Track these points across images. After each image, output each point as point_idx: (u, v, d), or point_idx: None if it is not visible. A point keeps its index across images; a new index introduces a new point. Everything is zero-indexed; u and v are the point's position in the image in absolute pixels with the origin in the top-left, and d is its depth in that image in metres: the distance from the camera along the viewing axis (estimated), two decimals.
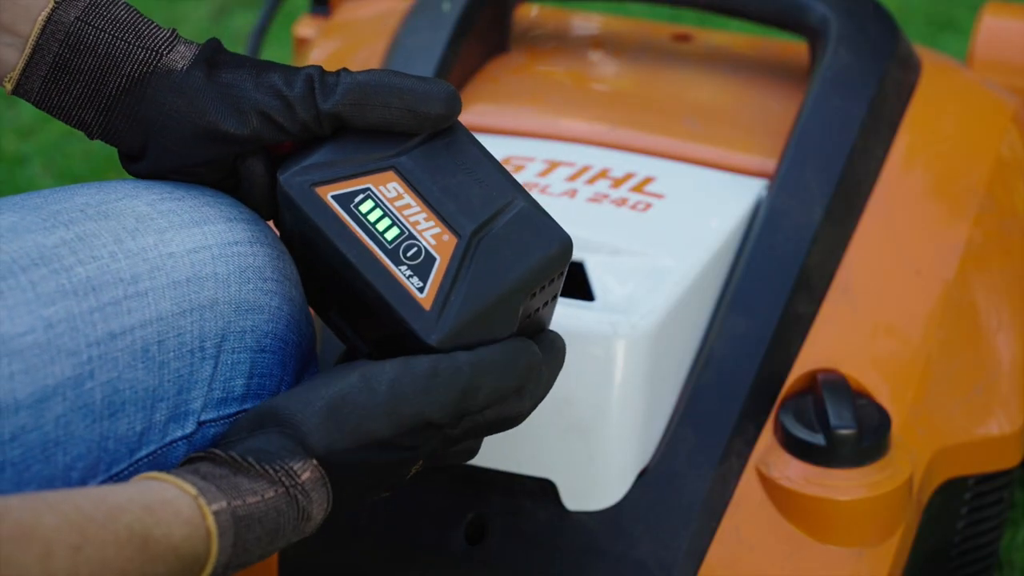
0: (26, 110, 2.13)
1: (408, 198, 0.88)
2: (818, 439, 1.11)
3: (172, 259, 0.88)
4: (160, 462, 0.88)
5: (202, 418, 0.90)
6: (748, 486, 1.12)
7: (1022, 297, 1.26)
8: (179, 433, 0.89)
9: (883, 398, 1.15)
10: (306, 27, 1.56)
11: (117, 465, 0.86)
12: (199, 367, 0.89)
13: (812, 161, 1.22)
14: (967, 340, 1.21)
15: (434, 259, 0.86)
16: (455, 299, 0.86)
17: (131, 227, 0.88)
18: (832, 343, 1.17)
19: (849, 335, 1.18)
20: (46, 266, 0.84)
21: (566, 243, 0.89)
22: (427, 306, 0.86)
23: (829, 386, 1.13)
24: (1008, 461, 1.22)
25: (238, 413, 0.91)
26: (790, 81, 1.36)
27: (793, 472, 1.11)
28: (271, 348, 0.92)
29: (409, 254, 0.87)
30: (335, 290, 0.91)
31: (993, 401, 1.21)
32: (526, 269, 0.87)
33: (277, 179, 0.90)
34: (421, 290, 0.86)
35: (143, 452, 0.87)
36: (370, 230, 0.87)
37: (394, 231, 0.87)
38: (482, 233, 0.87)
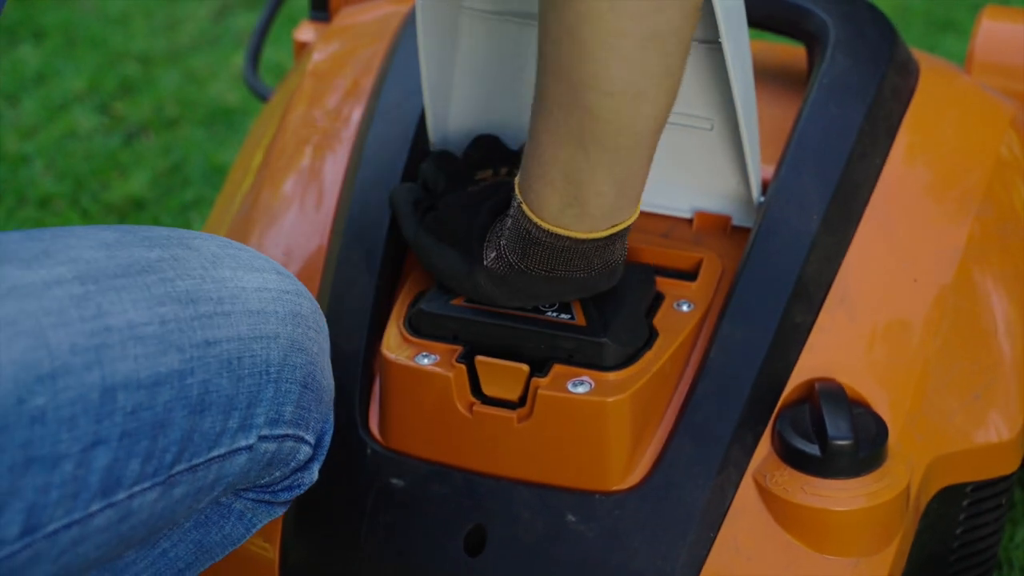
0: (28, 110, 2.13)
1: None
2: (815, 450, 1.11)
3: (244, 292, 1.00)
4: (226, 466, 0.99)
5: (261, 433, 1.00)
6: (746, 496, 1.12)
7: (1020, 304, 1.26)
8: (243, 442, 0.99)
9: (880, 407, 1.16)
10: (306, 32, 1.57)
11: (197, 457, 0.96)
12: (264, 387, 1.00)
13: (810, 167, 1.22)
14: (964, 347, 1.21)
15: (568, 304, 1.14)
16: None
17: (210, 260, 1.00)
18: (830, 352, 1.17)
19: (847, 344, 1.18)
20: (154, 274, 0.95)
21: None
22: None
23: (826, 395, 1.13)
24: (1005, 467, 1.23)
25: (284, 436, 1.02)
26: (788, 86, 1.36)
27: (790, 482, 1.11)
28: (312, 386, 1.04)
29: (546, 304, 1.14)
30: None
31: (990, 407, 1.21)
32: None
33: (422, 310, 1.15)
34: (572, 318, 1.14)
35: (217, 452, 0.98)
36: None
37: None
38: None
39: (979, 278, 1.24)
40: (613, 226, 1.07)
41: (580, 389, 1.10)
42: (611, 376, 1.11)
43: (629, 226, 1.09)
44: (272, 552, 1.17)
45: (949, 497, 1.21)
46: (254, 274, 1.01)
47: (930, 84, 1.33)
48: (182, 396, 0.94)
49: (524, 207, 1.07)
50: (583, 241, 1.07)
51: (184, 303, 0.95)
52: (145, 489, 0.93)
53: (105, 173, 2.01)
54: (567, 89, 1.01)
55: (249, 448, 0.99)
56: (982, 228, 1.25)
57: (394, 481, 1.15)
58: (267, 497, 1.07)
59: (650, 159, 1.06)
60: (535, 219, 1.07)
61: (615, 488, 1.12)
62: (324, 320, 1.07)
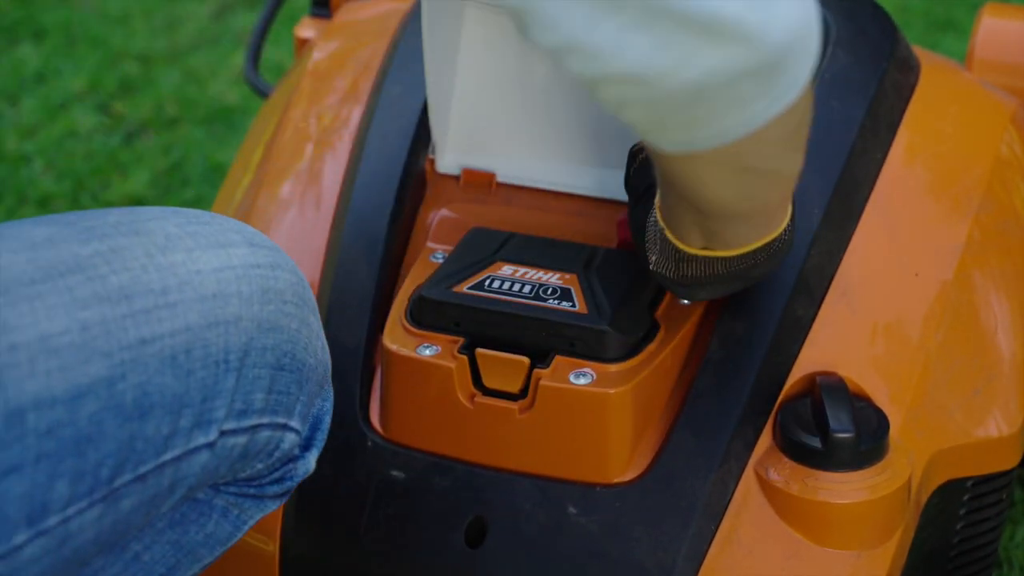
0: (28, 110, 2.13)
1: (523, 269, 1.17)
2: (816, 442, 1.11)
3: (200, 276, 0.92)
4: (183, 467, 0.92)
5: (224, 427, 0.94)
6: (747, 489, 1.12)
7: (1021, 297, 1.26)
8: (202, 440, 0.93)
9: (882, 400, 1.16)
10: (307, 29, 1.57)
11: (143, 465, 0.90)
12: (223, 378, 0.93)
13: (811, 163, 1.21)
14: (966, 342, 1.22)
15: (569, 289, 1.14)
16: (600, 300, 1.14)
17: (161, 244, 0.92)
18: (831, 346, 1.17)
19: (848, 337, 1.18)
20: (82, 273, 0.88)
21: None
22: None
23: (828, 389, 1.13)
24: (1007, 462, 1.23)
25: (256, 426, 0.96)
26: None
27: (791, 475, 1.11)
28: (289, 367, 0.97)
29: (548, 292, 1.14)
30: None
31: (992, 402, 1.21)
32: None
33: (423, 296, 1.15)
34: (574, 306, 1.14)
35: (168, 455, 0.91)
36: (507, 293, 1.14)
37: (527, 287, 1.15)
38: (588, 269, 1.17)
39: (979, 274, 1.24)
40: (764, 238, 1.07)
41: (582, 380, 1.10)
42: (613, 368, 1.11)
43: (785, 229, 1.08)
44: (272, 546, 1.17)
45: (949, 492, 1.21)
46: (217, 251, 0.94)
47: (931, 80, 1.34)
48: (113, 404, 0.87)
49: (668, 234, 1.07)
50: (733, 258, 1.07)
51: (115, 301, 0.88)
52: (82, 509, 0.86)
53: (105, 172, 2.01)
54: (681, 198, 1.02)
55: (210, 445, 0.93)
56: (982, 224, 1.25)
57: (395, 473, 1.15)
58: (252, 491, 1.02)
59: (786, 195, 1.05)
60: (682, 247, 1.06)
61: (616, 480, 1.12)
62: (309, 291, 1.00)
